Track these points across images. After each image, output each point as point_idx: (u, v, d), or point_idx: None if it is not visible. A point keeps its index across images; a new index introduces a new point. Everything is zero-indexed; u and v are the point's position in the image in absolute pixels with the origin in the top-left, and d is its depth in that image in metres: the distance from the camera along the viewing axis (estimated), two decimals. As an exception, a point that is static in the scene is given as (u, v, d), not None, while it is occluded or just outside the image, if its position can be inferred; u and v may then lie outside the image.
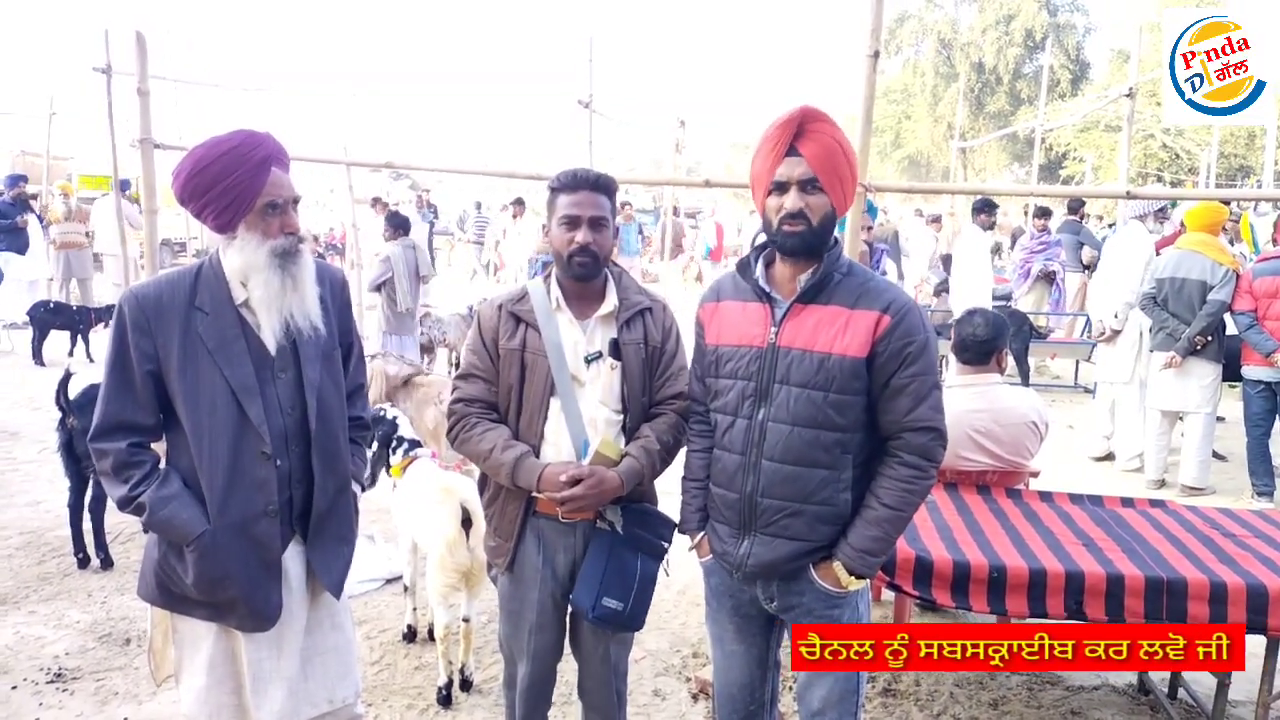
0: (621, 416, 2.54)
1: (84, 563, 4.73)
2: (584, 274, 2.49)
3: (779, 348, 2.26)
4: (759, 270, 2.35)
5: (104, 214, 10.43)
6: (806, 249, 2.25)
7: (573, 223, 2.46)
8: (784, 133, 2.23)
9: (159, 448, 2.38)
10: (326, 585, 2.45)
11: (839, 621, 2.32)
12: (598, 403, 2.51)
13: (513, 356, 2.51)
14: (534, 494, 2.47)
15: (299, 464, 2.35)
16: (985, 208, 9.49)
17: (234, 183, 2.19)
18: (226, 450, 2.24)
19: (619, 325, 2.54)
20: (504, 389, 2.54)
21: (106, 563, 4.77)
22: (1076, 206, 11.82)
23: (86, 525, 4.78)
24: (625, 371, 2.52)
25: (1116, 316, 6.82)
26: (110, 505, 4.83)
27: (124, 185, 11.01)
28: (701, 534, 2.47)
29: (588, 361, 2.51)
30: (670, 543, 2.61)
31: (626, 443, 2.53)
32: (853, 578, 2.26)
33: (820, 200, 2.22)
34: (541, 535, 2.55)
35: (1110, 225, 15.53)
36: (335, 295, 2.47)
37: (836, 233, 2.35)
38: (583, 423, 2.48)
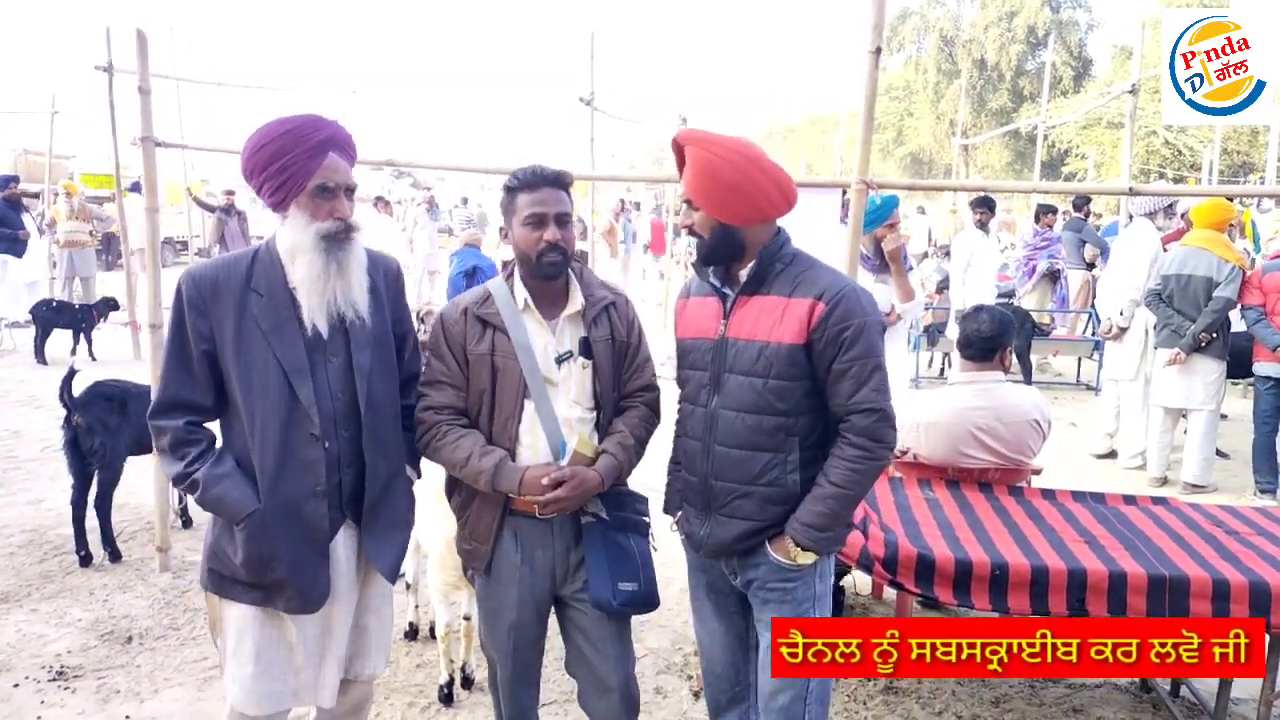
0: (594, 414, 2.54)
1: (86, 560, 4.73)
2: (554, 272, 2.46)
3: (727, 339, 2.38)
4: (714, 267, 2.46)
5: (132, 209, 10.35)
6: (707, 257, 2.42)
7: (539, 220, 2.42)
8: (676, 157, 2.43)
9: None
10: (380, 570, 2.47)
11: (792, 595, 2.39)
12: (571, 402, 2.49)
13: (483, 361, 2.47)
14: (514, 497, 2.46)
15: (348, 448, 2.37)
16: (980, 205, 9.44)
17: (289, 162, 2.24)
18: (277, 430, 2.27)
19: (587, 323, 2.52)
20: (474, 394, 2.50)
21: (115, 556, 4.79)
22: (1082, 204, 11.77)
23: (91, 523, 4.79)
24: (597, 369, 2.51)
25: (1122, 314, 6.80)
26: (116, 501, 4.89)
27: (135, 187, 11.00)
28: (679, 513, 2.59)
29: (559, 362, 2.49)
30: (649, 516, 2.62)
31: (600, 439, 2.53)
32: (801, 551, 2.31)
33: (700, 216, 2.37)
34: (519, 533, 2.53)
35: (1112, 224, 15.46)
36: (389, 284, 2.50)
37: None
38: (558, 424, 2.47)
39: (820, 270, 2.35)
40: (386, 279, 2.49)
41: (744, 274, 2.38)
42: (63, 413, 4.71)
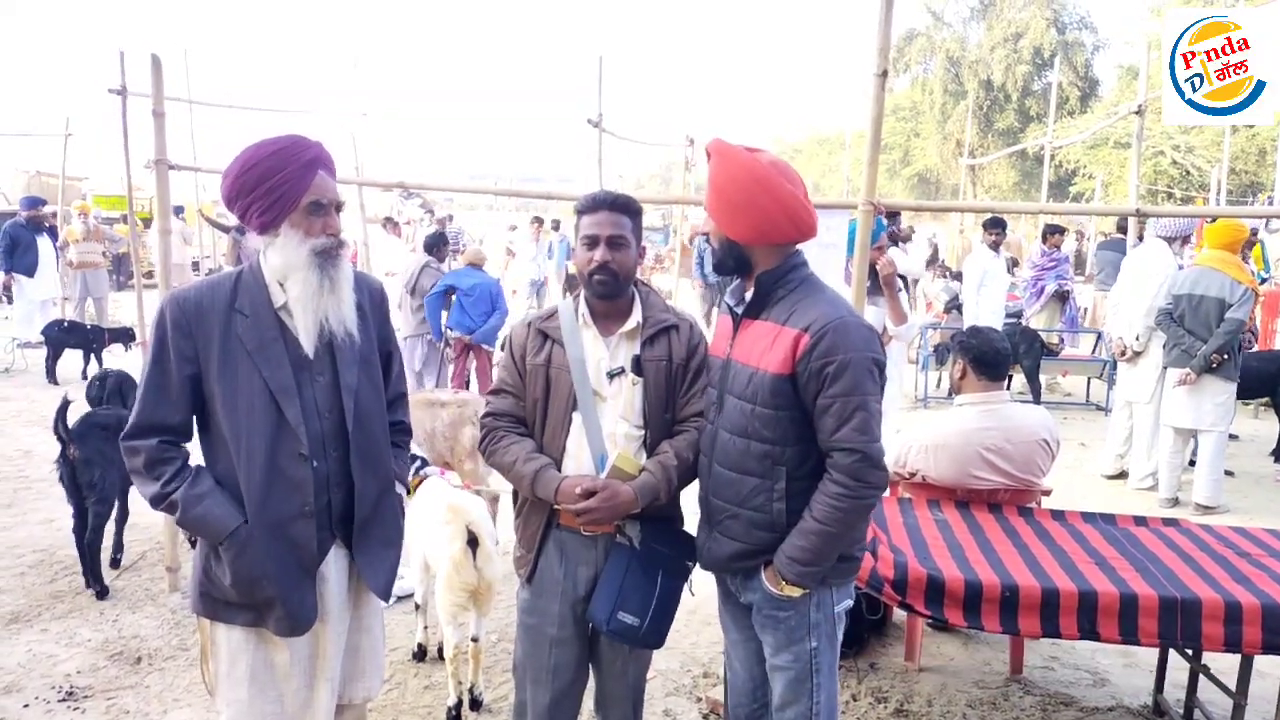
0: (642, 432, 2.56)
1: (95, 587, 4.64)
2: (604, 292, 2.52)
3: (731, 360, 2.42)
4: (735, 284, 2.52)
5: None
6: (716, 266, 2.54)
7: (592, 242, 2.51)
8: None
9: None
10: (373, 588, 2.47)
11: (785, 624, 2.39)
12: (618, 417, 2.53)
13: (538, 371, 2.56)
14: (553, 505, 2.50)
15: (337, 467, 2.37)
16: (992, 226, 9.46)
17: (281, 180, 2.24)
18: (264, 450, 2.26)
19: (642, 342, 2.57)
20: (530, 403, 2.59)
21: (102, 594, 4.59)
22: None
23: (103, 542, 4.77)
24: (646, 388, 2.54)
25: (1139, 339, 6.76)
26: (110, 531, 4.82)
27: (178, 210, 11.10)
28: None
29: (610, 377, 2.53)
30: (695, 561, 2.61)
31: (647, 458, 2.55)
32: (786, 583, 2.30)
33: (714, 225, 2.43)
34: (564, 548, 2.57)
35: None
36: (374, 304, 2.52)
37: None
38: (602, 437, 2.51)
39: (819, 300, 2.32)
40: (372, 298, 2.52)
41: (748, 295, 2.42)
42: (59, 445, 4.58)
